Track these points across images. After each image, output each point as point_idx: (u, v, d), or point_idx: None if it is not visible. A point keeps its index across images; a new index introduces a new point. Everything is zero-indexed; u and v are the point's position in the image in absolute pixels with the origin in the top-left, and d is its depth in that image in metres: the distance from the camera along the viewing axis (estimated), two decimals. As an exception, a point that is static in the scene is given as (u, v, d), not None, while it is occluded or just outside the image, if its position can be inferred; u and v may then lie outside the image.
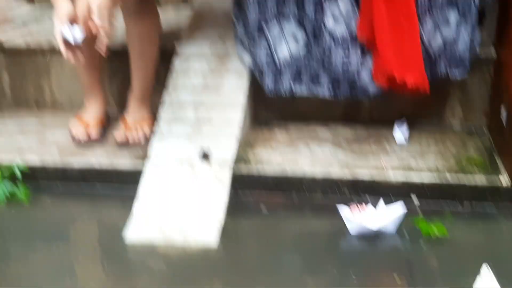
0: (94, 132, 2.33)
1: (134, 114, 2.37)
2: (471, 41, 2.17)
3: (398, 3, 2.03)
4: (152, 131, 2.28)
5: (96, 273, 1.83)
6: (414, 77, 2.06)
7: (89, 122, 2.35)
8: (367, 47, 2.15)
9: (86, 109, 2.41)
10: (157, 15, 2.35)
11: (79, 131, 2.32)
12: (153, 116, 2.36)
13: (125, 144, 2.29)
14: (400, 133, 2.29)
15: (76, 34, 1.95)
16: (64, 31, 1.94)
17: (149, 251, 1.91)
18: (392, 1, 2.03)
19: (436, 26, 2.12)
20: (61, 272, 1.84)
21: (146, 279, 1.80)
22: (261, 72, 2.28)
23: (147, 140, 2.27)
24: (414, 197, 2.08)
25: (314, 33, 2.20)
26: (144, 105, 2.39)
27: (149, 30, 2.29)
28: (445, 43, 2.16)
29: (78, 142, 2.31)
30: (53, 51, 2.47)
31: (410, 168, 2.11)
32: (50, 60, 2.55)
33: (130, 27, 2.26)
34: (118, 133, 2.31)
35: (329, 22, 2.15)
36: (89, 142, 2.31)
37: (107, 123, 2.44)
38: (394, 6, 2.03)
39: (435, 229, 1.91)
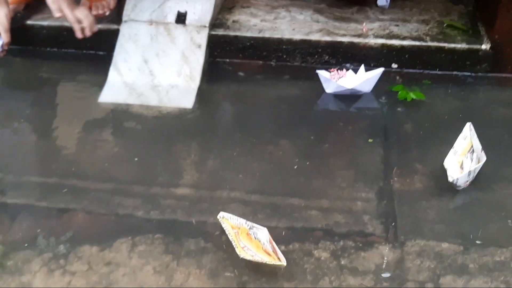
0: None
1: None
2: None
3: None
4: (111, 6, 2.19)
5: (71, 133, 1.83)
6: None
7: None
8: None
9: None
10: None
11: None
12: None
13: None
14: (383, -1, 2.25)
15: None
16: None
17: (124, 112, 1.91)
18: None
19: None
20: (36, 132, 1.85)
21: (122, 139, 1.81)
22: None
23: (111, 12, 2.19)
24: (394, 64, 2.07)
25: None
26: None
27: None
28: None
29: None
30: None
31: (391, 34, 2.08)
32: None
33: None
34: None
35: None
36: None
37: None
38: None
39: (412, 94, 1.92)
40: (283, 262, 1.34)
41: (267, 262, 1.34)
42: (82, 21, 1.98)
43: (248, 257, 1.34)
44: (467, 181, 1.56)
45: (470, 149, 1.58)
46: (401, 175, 1.63)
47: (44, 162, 1.71)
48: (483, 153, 1.59)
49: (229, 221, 1.40)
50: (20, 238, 1.46)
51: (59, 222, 1.51)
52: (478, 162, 1.57)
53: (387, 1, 2.23)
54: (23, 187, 1.61)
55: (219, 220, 1.41)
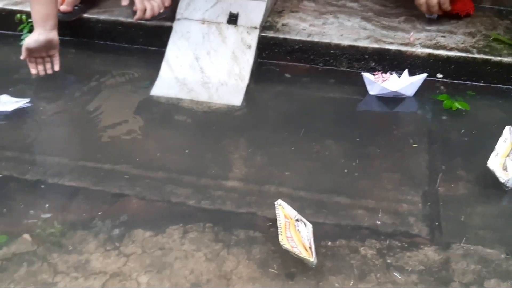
0: (65, 7, 2.21)
1: None
2: None
3: None
4: (166, 4, 2.22)
5: (124, 123, 1.87)
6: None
7: None
8: None
9: None
10: None
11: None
12: None
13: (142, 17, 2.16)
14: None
15: None
16: None
17: (174, 106, 1.95)
18: None
19: None
20: (89, 121, 1.89)
21: (173, 131, 1.85)
22: None
23: (166, 10, 2.22)
24: (439, 74, 2.08)
25: None
26: None
27: None
28: None
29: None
30: None
31: (438, 45, 2.10)
32: None
33: None
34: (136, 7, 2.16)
35: None
36: (60, 14, 2.19)
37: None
38: None
39: (457, 104, 1.94)
40: (314, 259, 1.35)
41: (300, 255, 1.35)
42: (146, 11, 2.09)
43: (288, 247, 1.36)
44: None
45: (511, 151, 1.60)
46: (446, 180, 1.65)
47: (98, 149, 1.75)
48: None
49: (284, 209, 1.43)
50: (77, 219, 1.50)
51: (114, 206, 1.54)
52: None
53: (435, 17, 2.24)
54: (79, 171, 1.65)
55: (276, 206, 1.43)
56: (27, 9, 2.24)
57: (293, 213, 1.43)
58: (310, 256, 1.35)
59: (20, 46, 2.06)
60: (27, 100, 1.92)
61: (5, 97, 1.93)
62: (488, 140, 1.72)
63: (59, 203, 1.55)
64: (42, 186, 1.60)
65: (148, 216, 1.52)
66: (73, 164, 1.68)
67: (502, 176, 1.59)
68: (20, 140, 1.79)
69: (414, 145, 1.78)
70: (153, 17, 2.17)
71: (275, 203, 1.43)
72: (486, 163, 1.63)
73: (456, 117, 1.92)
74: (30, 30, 2.21)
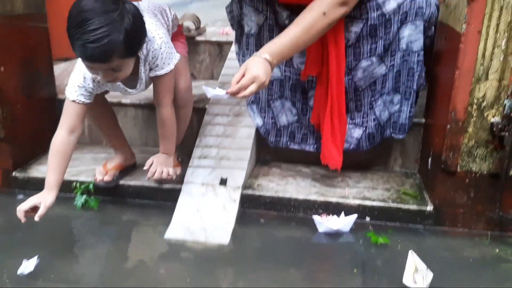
0: (107, 177, 2.29)
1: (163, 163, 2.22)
2: (409, 113, 2.29)
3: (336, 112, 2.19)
4: (177, 173, 2.28)
5: (141, 260, 1.89)
6: (333, 163, 2.24)
7: (108, 169, 2.32)
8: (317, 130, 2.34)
9: (111, 158, 2.39)
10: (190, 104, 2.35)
11: (98, 174, 2.31)
12: (178, 163, 2.39)
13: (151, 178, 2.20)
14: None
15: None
16: None
17: (181, 246, 1.99)
18: (333, 112, 2.18)
19: (385, 106, 2.28)
20: (116, 258, 1.92)
21: (179, 265, 1.87)
22: (268, 131, 2.43)
23: (177, 176, 2.27)
24: (367, 217, 2.18)
25: (302, 109, 2.36)
26: (171, 157, 2.25)
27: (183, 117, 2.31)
28: (391, 116, 2.30)
29: (95, 181, 2.30)
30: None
31: (365, 197, 2.21)
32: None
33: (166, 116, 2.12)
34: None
35: (311, 103, 2.31)
36: (104, 183, 2.29)
37: (129, 167, 2.41)
38: (333, 114, 2.19)
39: (381, 239, 2.01)
40: None
41: None
42: (155, 173, 2.16)
43: None
44: None
45: (415, 269, 1.65)
46: (375, 297, 1.67)
47: (125, 276, 1.76)
48: (428, 271, 1.66)
49: None
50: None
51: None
52: (425, 277, 1.65)
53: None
54: (110, 296, 1.66)
55: None
56: (81, 179, 2.36)
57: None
58: None
59: (74, 206, 2.18)
60: (36, 257, 1.77)
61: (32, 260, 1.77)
62: (403, 265, 1.76)
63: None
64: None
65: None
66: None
67: (414, 288, 1.63)
68: (65, 274, 1.79)
69: (355, 271, 1.82)
70: (161, 180, 2.22)
71: None
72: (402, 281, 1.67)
73: (381, 248, 1.97)
74: (82, 193, 2.32)
